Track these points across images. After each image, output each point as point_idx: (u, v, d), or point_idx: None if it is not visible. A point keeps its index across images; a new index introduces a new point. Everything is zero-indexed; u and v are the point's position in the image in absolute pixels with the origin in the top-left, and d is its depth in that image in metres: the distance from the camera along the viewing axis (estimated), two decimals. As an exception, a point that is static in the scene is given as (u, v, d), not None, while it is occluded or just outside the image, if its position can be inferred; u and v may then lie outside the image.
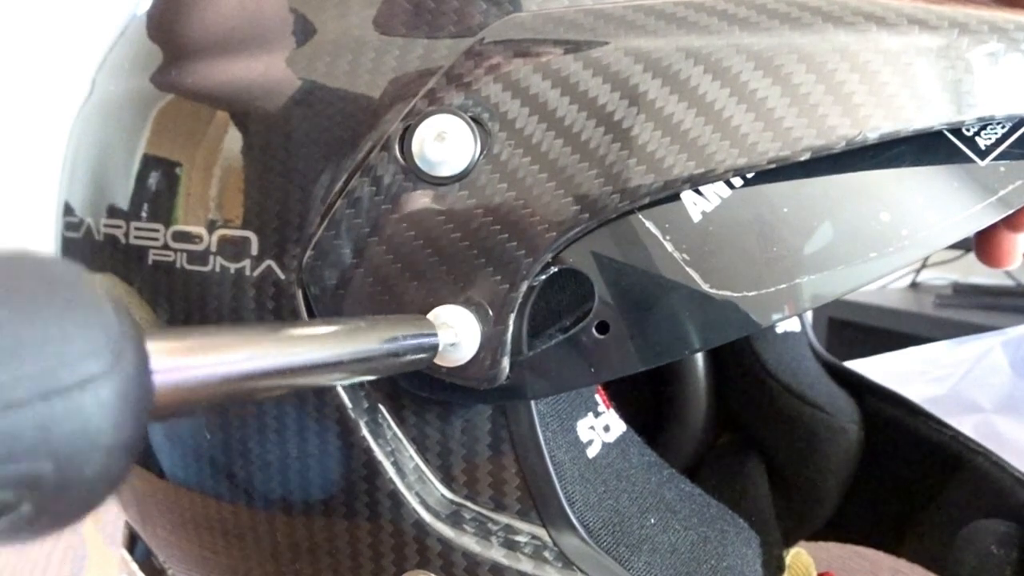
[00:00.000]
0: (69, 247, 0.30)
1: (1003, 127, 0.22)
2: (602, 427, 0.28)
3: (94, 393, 0.10)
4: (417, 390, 0.24)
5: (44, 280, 0.10)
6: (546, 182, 0.22)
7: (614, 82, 0.21)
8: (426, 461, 0.25)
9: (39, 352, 0.10)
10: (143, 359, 0.11)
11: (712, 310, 0.21)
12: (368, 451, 0.25)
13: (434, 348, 0.21)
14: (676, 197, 0.21)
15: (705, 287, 0.21)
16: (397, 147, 0.23)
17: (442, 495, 0.25)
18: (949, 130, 0.22)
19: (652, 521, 0.27)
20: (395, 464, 0.25)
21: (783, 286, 0.21)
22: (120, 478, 0.11)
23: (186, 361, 0.13)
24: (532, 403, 0.24)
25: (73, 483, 0.10)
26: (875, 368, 0.62)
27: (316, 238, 0.24)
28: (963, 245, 0.23)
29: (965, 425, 0.43)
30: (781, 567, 0.36)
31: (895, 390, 0.41)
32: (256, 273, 0.25)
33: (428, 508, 0.25)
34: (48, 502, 0.10)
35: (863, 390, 0.42)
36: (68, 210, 0.30)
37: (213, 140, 0.25)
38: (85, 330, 0.10)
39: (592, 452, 0.27)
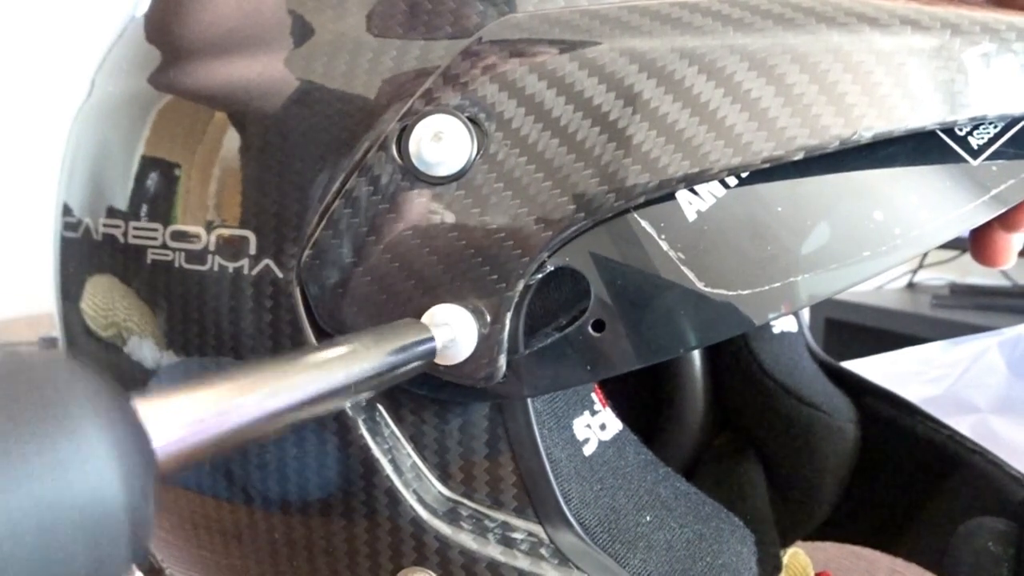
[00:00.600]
0: (68, 247, 0.30)
1: (995, 127, 0.22)
2: (598, 425, 0.28)
3: (102, 497, 0.10)
4: (414, 388, 0.25)
5: (28, 398, 0.10)
6: (542, 182, 0.22)
7: (609, 82, 0.21)
8: (423, 459, 0.26)
9: (43, 473, 0.10)
10: (142, 439, 0.11)
11: (707, 309, 0.22)
12: (366, 449, 0.25)
13: (433, 352, 0.21)
14: (671, 196, 0.22)
15: (700, 286, 0.22)
16: (394, 147, 0.23)
17: (439, 492, 0.26)
18: (942, 130, 0.22)
19: (648, 519, 0.27)
20: (392, 462, 0.25)
21: (777, 285, 0.21)
22: (144, 546, 0.11)
23: (184, 424, 0.12)
24: (528, 401, 0.25)
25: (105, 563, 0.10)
26: (872, 368, 0.62)
27: (314, 238, 0.24)
28: (959, 245, 0.23)
29: (962, 425, 0.43)
30: (778, 567, 0.36)
31: (892, 390, 0.42)
32: (254, 272, 0.25)
33: (425, 505, 0.25)
34: None
35: (860, 390, 0.42)
36: (67, 210, 0.30)
37: (211, 140, 0.26)
38: (80, 441, 0.10)
39: (588, 450, 0.27)
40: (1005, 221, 0.26)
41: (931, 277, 1.28)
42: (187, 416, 0.13)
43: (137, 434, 0.11)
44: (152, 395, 0.12)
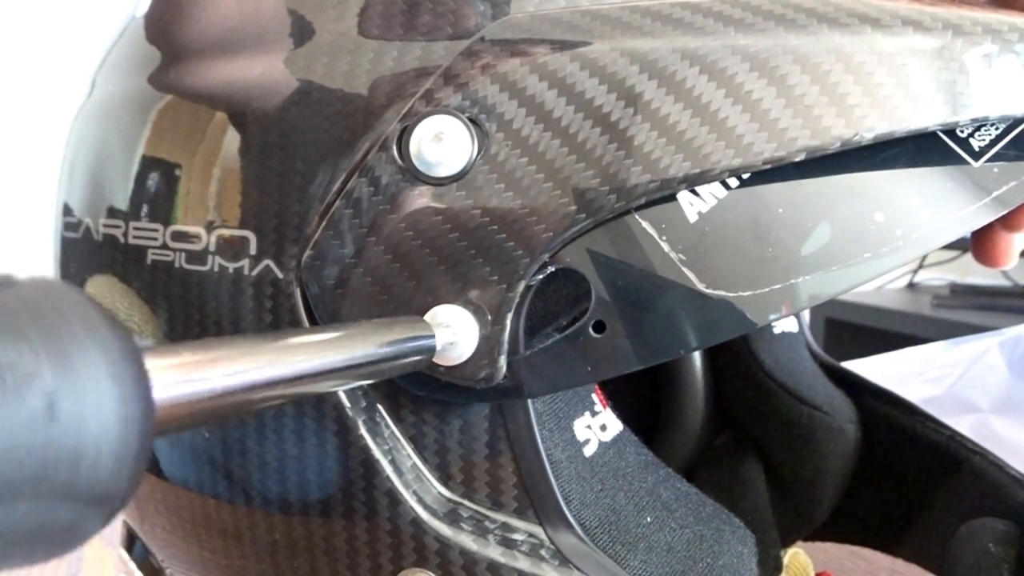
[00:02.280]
0: (68, 247, 0.30)
1: (997, 128, 0.22)
2: (599, 426, 0.28)
3: (96, 416, 0.10)
4: (415, 389, 0.25)
5: (39, 306, 0.10)
6: (543, 182, 0.22)
7: (610, 83, 0.21)
8: (424, 460, 0.26)
9: (41, 379, 0.10)
10: (143, 378, 0.11)
11: (708, 310, 0.22)
12: (366, 450, 0.25)
13: (432, 350, 0.21)
14: (672, 197, 0.22)
15: (701, 287, 0.21)
16: (395, 147, 0.23)
17: (439, 493, 0.26)
18: (943, 131, 0.22)
19: (648, 520, 0.27)
20: (393, 463, 0.25)
21: (778, 286, 0.21)
22: (130, 492, 0.11)
23: (185, 376, 0.13)
24: (529, 402, 0.24)
25: (85, 499, 0.10)
26: (872, 368, 0.62)
27: (315, 238, 0.24)
28: (960, 246, 0.23)
29: (962, 425, 0.43)
30: (779, 567, 0.36)
31: (892, 390, 0.41)
32: (254, 273, 0.25)
33: (425, 506, 0.25)
34: (66, 520, 0.10)
35: (861, 390, 0.42)
36: (67, 211, 0.30)
37: (212, 140, 0.26)
38: (84, 355, 0.10)
39: (589, 451, 0.27)
40: (1007, 222, 0.26)
41: (931, 277, 1.28)
42: (189, 369, 0.13)
43: (139, 376, 0.11)
44: (156, 347, 0.13)
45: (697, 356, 0.44)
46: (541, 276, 0.22)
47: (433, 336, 0.21)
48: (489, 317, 0.22)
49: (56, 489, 0.10)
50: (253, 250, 0.25)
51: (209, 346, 0.14)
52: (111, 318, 0.11)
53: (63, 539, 0.10)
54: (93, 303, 0.11)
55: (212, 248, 0.25)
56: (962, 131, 0.22)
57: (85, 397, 0.10)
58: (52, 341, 0.10)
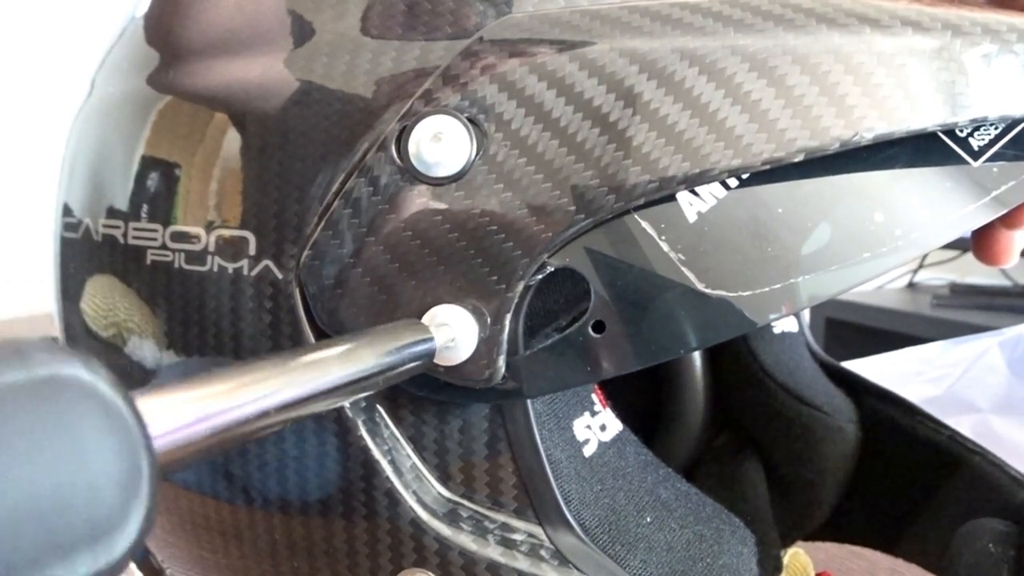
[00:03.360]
0: (68, 248, 0.30)
1: (996, 128, 0.22)
2: (598, 426, 0.28)
3: (100, 473, 0.10)
4: (414, 390, 0.25)
5: (26, 392, 0.10)
6: (542, 182, 0.22)
7: (609, 83, 0.21)
8: (423, 460, 0.26)
9: (42, 449, 0.10)
10: (141, 432, 0.11)
11: (708, 310, 0.22)
12: (365, 450, 0.25)
13: (432, 352, 0.21)
14: (672, 197, 0.22)
15: (701, 287, 0.21)
16: (394, 148, 0.23)
17: (439, 493, 0.26)
18: (943, 131, 0.22)
19: (648, 519, 0.27)
20: (392, 463, 0.25)
21: (778, 286, 0.21)
22: (144, 536, 0.11)
23: (184, 419, 0.13)
24: (528, 402, 0.24)
25: (91, 557, 0.10)
26: (872, 368, 0.62)
27: (314, 238, 0.24)
28: (960, 246, 0.23)
29: (962, 425, 0.43)
30: (779, 567, 0.36)
31: (892, 390, 0.41)
32: (254, 273, 0.25)
33: (425, 507, 0.25)
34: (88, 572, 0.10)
35: (861, 390, 0.42)
36: (67, 211, 0.30)
37: (211, 141, 0.26)
38: (82, 418, 0.10)
39: (588, 451, 0.27)
40: (1007, 220, 0.26)
41: (931, 277, 1.28)
42: (186, 410, 0.13)
43: (136, 428, 0.11)
44: (151, 390, 0.12)
45: (697, 356, 0.44)
46: (540, 276, 0.22)
47: (433, 339, 0.21)
48: (488, 317, 0.22)
49: (69, 553, 0.10)
50: (252, 250, 0.25)
51: (207, 380, 0.14)
52: (97, 376, 0.11)
53: None
54: (75, 361, 0.11)
55: (211, 248, 0.25)
56: (961, 131, 0.22)
57: (85, 467, 0.10)
58: (41, 419, 0.10)
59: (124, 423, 0.11)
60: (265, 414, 0.14)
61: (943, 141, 0.22)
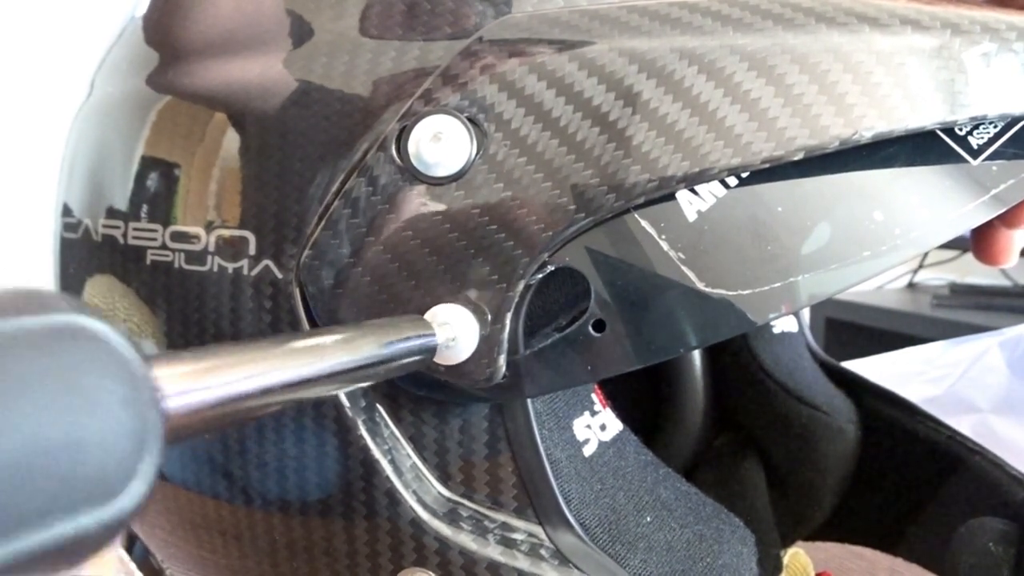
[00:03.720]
0: (68, 248, 0.30)
1: (995, 126, 0.22)
2: (598, 426, 0.28)
3: (112, 424, 0.10)
4: (414, 389, 0.25)
5: (46, 327, 0.10)
6: (542, 182, 0.22)
7: (609, 83, 0.21)
8: (423, 459, 0.26)
9: (56, 396, 0.10)
10: (153, 390, 0.11)
11: (708, 309, 0.22)
12: (365, 450, 0.25)
13: (433, 349, 0.21)
14: (671, 196, 0.22)
15: (700, 286, 0.21)
16: (393, 147, 0.23)
17: (439, 493, 0.26)
18: (942, 130, 0.22)
19: (648, 519, 0.27)
20: (392, 463, 0.25)
21: (778, 285, 0.21)
22: (146, 497, 0.11)
23: (194, 384, 0.13)
24: (528, 402, 0.24)
25: (103, 508, 0.10)
26: (872, 368, 0.62)
27: (313, 238, 0.24)
28: (960, 246, 0.23)
29: (962, 425, 0.43)
30: (779, 567, 0.36)
31: (892, 390, 0.41)
32: (254, 273, 0.25)
33: (425, 506, 0.25)
34: (88, 530, 0.10)
35: (861, 390, 0.42)
36: (67, 211, 0.30)
37: (211, 141, 0.26)
38: (97, 368, 0.10)
39: (588, 450, 0.27)
40: (1007, 219, 0.26)
41: (931, 277, 1.28)
42: (196, 376, 0.13)
43: (149, 387, 0.11)
44: (163, 356, 0.13)
45: (697, 356, 0.44)
46: (540, 275, 0.22)
47: (434, 335, 0.21)
48: (489, 317, 0.22)
49: (77, 504, 0.10)
50: (252, 250, 0.25)
51: (215, 353, 0.14)
52: (114, 330, 0.11)
53: (87, 547, 0.10)
54: (92, 315, 0.11)
55: (211, 248, 0.25)
56: (960, 129, 0.22)
57: (98, 416, 0.10)
58: (56, 365, 0.10)
59: (138, 378, 0.11)
60: (269, 390, 0.15)
61: (942, 139, 0.22)
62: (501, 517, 0.25)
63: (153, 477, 0.11)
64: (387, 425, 0.25)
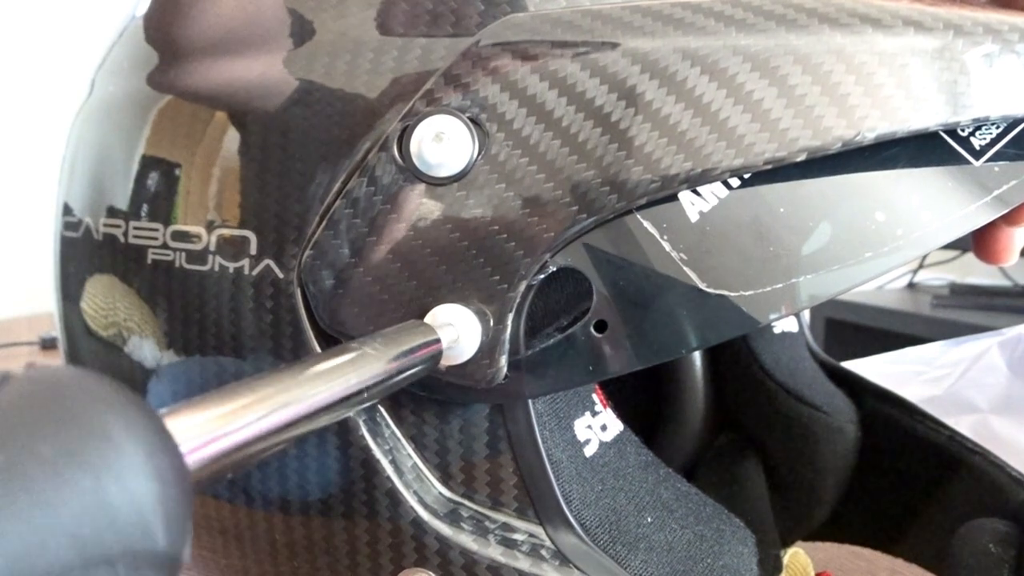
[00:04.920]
0: (68, 247, 0.30)
1: (998, 127, 0.22)
2: (599, 426, 0.28)
3: (138, 503, 0.10)
4: (416, 389, 0.25)
5: (66, 421, 0.10)
6: (544, 182, 0.22)
7: (611, 83, 0.21)
8: (424, 460, 0.25)
9: (83, 479, 0.10)
10: (172, 450, 0.11)
11: (709, 309, 0.22)
12: (366, 450, 0.25)
13: (439, 355, 0.21)
14: (674, 197, 0.22)
15: (702, 286, 0.21)
16: (395, 147, 0.23)
17: (440, 493, 0.26)
18: (944, 131, 0.22)
19: (649, 520, 0.27)
20: (393, 463, 0.25)
21: (780, 285, 0.21)
22: (184, 547, 0.11)
23: (212, 434, 0.13)
24: (530, 402, 0.24)
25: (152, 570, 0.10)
26: (872, 368, 0.62)
27: (315, 238, 0.24)
28: (960, 246, 0.23)
29: (962, 425, 0.43)
30: (779, 567, 0.36)
31: (892, 390, 0.41)
32: (255, 272, 0.25)
33: (426, 506, 0.25)
34: None
35: (861, 390, 0.42)
36: (67, 210, 0.30)
37: (212, 140, 0.26)
38: (116, 446, 0.10)
39: (589, 451, 0.27)
40: (1009, 216, 0.26)
41: (931, 277, 1.28)
42: (213, 427, 0.13)
43: (168, 447, 0.11)
44: (178, 408, 0.13)
45: (697, 356, 0.44)
46: (542, 276, 0.22)
47: (439, 340, 0.21)
48: (490, 317, 0.22)
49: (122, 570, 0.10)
50: (253, 250, 0.25)
51: (229, 395, 0.14)
52: (123, 395, 0.11)
53: None
54: (102, 384, 0.11)
55: (212, 248, 0.25)
56: (963, 130, 0.22)
57: (122, 487, 0.10)
58: (71, 440, 0.10)
59: (159, 446, 0.11)
60: (286, 426, 0.15)
61: (945, 140, 0.22)
62: (502, 517, 0.25)
63: (181, 543, 0.11)
64: (388, 425, 0.25)
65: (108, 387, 0.11)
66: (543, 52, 0.22)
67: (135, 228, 0.27)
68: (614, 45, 0.22)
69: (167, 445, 0.11)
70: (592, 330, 0.22)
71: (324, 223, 0.24)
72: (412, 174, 0.23)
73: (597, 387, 0.29)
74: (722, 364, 0.44)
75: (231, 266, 0.25)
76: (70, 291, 0.30)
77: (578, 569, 0.25)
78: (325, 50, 0.24)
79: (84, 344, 0.30)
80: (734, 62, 0.21)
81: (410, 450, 0.25)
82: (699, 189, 0.22)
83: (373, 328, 0.23)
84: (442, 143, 0.22)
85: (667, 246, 0.22)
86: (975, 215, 0.22)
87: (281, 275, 0.24)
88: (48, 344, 0.99)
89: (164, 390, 0.27)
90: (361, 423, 0.25)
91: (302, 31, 0.25)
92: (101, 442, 0.10)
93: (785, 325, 0.42)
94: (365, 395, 0.17)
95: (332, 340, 0.24)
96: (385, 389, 0.18)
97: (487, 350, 0.22)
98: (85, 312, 0.29)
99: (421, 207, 0.23)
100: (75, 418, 0.10)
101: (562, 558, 0.25)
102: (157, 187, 0.27)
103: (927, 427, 0.39)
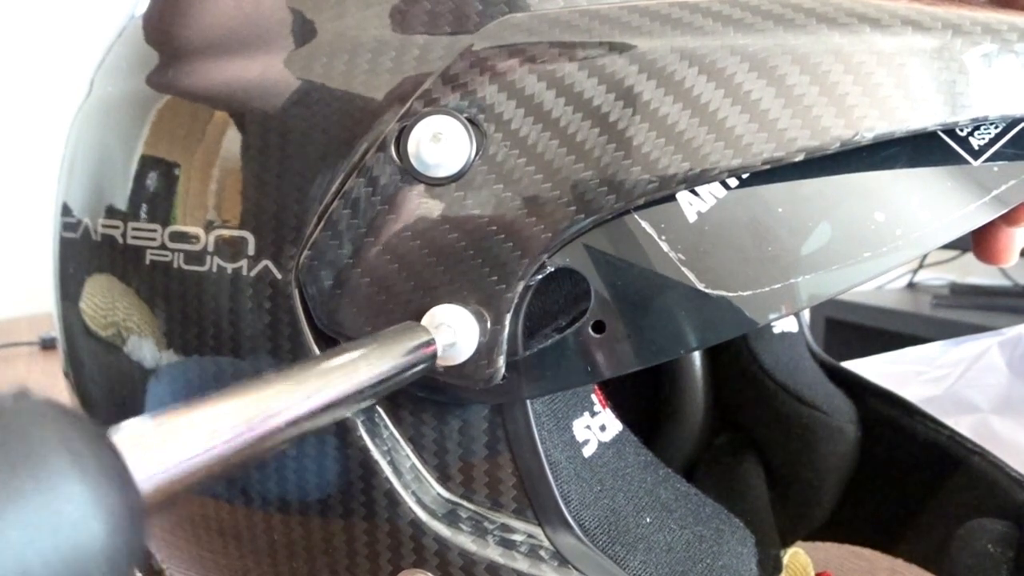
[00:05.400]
0: (67, 247, 0.30)
1: (996, 127, 0.22)
2: (598, 427, 0.28)
3: (85, 528, 0.10)
4: (414, 390, 0.24)
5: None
6: (542, 183, 0.22)
7: (609, 83, 0.21)
8: (423, 460, 0.25)
9: (26, 514, 0.09)
10: (123, 478, 0.11)
11: (708, 309, 0.22)
12: (365, 451, 0.25)
13: (433, 356, 0.21)
14: (672, 197, 0.21)
15: (701, 287, 0.21)
16: (393, 148, 0.23)
17: (438, 494, 0.26)
18: (943, 131, 0.22)
19: (648, 520, 0.27)
20: (391, 463, 0.25)
21: (778, 286, 0.21)
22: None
23: (168, 454, 0.12)
24: (528, 402, 0.24)
25: None
26: (872, 368, 0.62)
27: (313, 238, 0.24)
28: (960, 246, 0.23)
29: (962, 425, 0.43)
30: (778, 567, 0.36)
31: (892, 390, 0.41)
32: (253, 273, 0.25)
33: (424, 507, 0.25)
34: None
35: (860, 390, 0.42)
36: (66, 210, 0.30)
37: (210, 141, 0.26)
38: (58, 491, 0.10)
39: (588, 451, 0.27)
40: (1008, 216, 0.26)
41: (931, 277, 1.28)
42: (170, 446, 0.12)
43: (117, 473, 0.10)
44: (129, 428, 0.12)
45: (697, 356, 0.44)
46: (540, 276, 0.22)
47: (435, 341, 0.21)
48: (488, 318, 0.22)
49: None
50: (252, 251, 0.25)
51: (181, 410, 0.13)
52: (69, 420, 0.10)
53: None
54: (45, 410, 0.10)
55: (211, 248, 0.25)
56: (962, 130, 0.22)
57: (64, 530, 0.10)
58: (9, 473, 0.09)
59: (107, 473, 0.10)
60: (260, 438, 0.14)
61: (943, 140, 0.22)
62: (500, 518, 0.25)
63: (138, 555, 0.10)
64: (386, 426, 0.25)
65: (53, 416, 0.10)
66: (541, 53, 0.22)
67: (134, 229, 0.27)
68: (612, 45, 0.21)
69: (116, 472, 0.10)
70: (590, 331, 0.22)
71: (322, 224, 0.24)
72: (410, 174, 0.23)
73: (596, 387, 0.29)
74: (722, 364, 0.44)
75: (229, 267, 0.25)
76: (69, 291, 0.30)
77: (577, 570, 0.25)
78: (324, 50, 0.24)
79: (83, 344, 0.30)
80: (732, 62, 0.21)
81: (408, 451, 0.25)
82: (697, 189, 0.21)
83: (371, 328, 0.23)
84: (440, 143, 0.22)
85: (665, 246, 0.22)
86: (974, 215, 0.22)
87: (279, 276, 0.24)
88: (48, 344, 0.99)
89: (163, 390, 0.27)
90: (359, 424, 0.25)
91: (301, 31, 0.25)
92: (40, 476, 0.10)
93: (785, 325, 0.42)
94: (357, 399, 0.17)
95: (330, 341, 0.24)
96: (378, 392, 0.18)
97: (485, 351, 0.22)
98: (84, 312, 0.29)
99: (419, 207, 0.23)
100: (13, 451, 0.09)
101: (561, 559, 0.25)
102: (156, 187, 0.27)
103: (927, 427, 0.39)
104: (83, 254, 0.29)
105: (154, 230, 0.26)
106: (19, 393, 0.10)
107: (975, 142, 0.22)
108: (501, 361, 0.22)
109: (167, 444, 0.12)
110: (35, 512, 0.09)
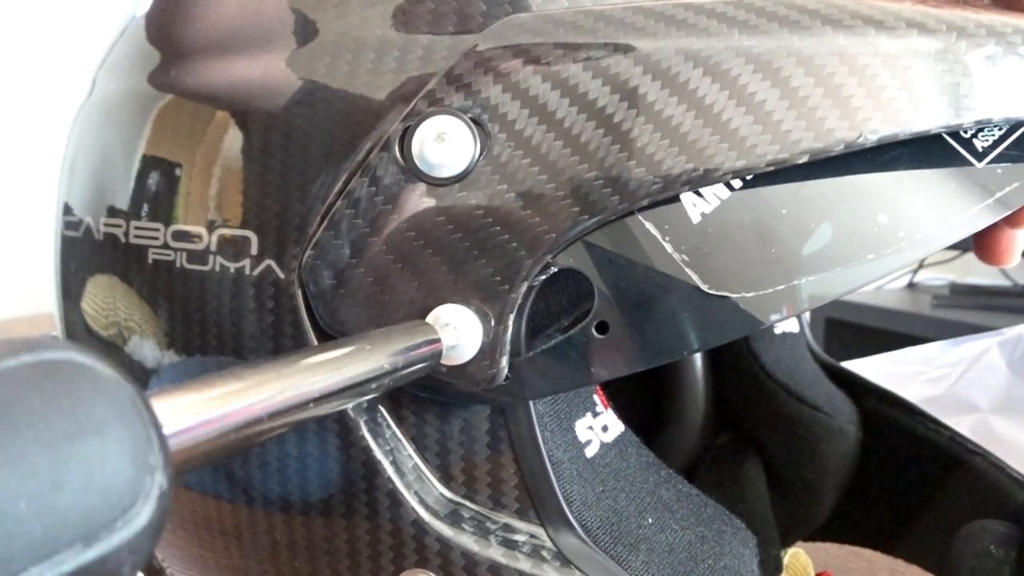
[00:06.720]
0: (69, 247, 0.30)
1: (1000, 129, 0.22)
2: (600, 427, 0.28)
3: (111, 447, 0.10)
4: (416, 390, 0.25)
5: (47, 396, 0.10)
6: (546, 183, 0.22)
7: (613, 84, 0.21)
8: (425, 460, 0.25)
9: (47, 427, 0.10)
10: (150, 413, 0.11)
11: (711, 310, 0.22)
12: (367, 450, 0.25)
13: (438, 354, 0.21)
14: (675, 199, 0.21)
15: (704, 288, 0.21)
16: (397, 148, 0.23)
17: (441, 494, 0.26)
18: (947, 133, 0.22)
19: (650, 521, 0.27)
20: (394, 463, 0.25)
21: (781, 287, 0.21)
22: (155, 538, 0.11)
23: (197, 417, 0.13)
24: (531, 403, 0.24)
25: (107, 555, 0.10)
26: (872, 368, 0.62)
27: (316, 238, 0.24)
28: (961, 245, 0.23)
29: (962, 425, 0.43)
30: (779, 567, 0.36)
31: (893, 390, 0.41)
32: (256, 272, 0.25)
33: (427, 507, 0.25)
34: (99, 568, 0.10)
35: (861, 390, 0.42)
36: (68, 210, 0.30)
37: (213, 140, 0.25)
38: (90, 398, 0.10)
39: (590, 452, 0.27)
40: (1011, 218, 0.26)
41: (932, 277, 1.28)
42: (200, 410, 0.13)
43: (151, 428, 0.11)
44: (165, 390, 0.13)
45: (698, 357, 0.44)
46: (543, 277, 0.22)
47: (440, 339, 0.21)
48: (491, 318, 0.22)
49: (86, 532, 0.10)
50: (254, 250, 0.25)
51: (219, 380, 0.14)
52: (105, 363, 0.11)
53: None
54: (91, 358, 0.11)
55: (213, 248, 0.25)
56: (965, 132, 0.22)
57: (94, 444, 0.10)
58: (45, 399, 0.10)
59: (132, 404, 0.11)
60: (276, 414, 0.15)
61: (947, 142, 0.22)
62: (503, 518, 0.25)
63: (161, 498, 0.11)
64: (389, 426, 0.25)
65: (96, 368, 0.11)
66: (545, 53, 0.22)
67: (136, 228, 0.27)
68: (616, 46, 0.21)
69: (149, 427, 0.11)
70: (593, 331, 0.22)
71: (325, 223, 0.23)
72: (413, 174, 0.23)
73: (598, 388, 0.29)
74: (723, 364, 0.44)
75: (232, 266, 0.25)
76: (71, 291, 0.30)
77: (579, 570, 0.25)
78: (327, 50, 0.24)
79: (84, 344, 0.30)
80: (736, 63, 0.21)
81: (411, 451, 0.25)
82: (701, 190, 0.21)
83: (373, 328, 0.23)
84: (444, 143, 0.22)
85: (669, 247, 0.22)
86: (977, 217, 0.22)
87: (282, 275, 0.24)
88: (48, 343, 0.99)
89: (164, 390, 0.27)
90: (362, 423, 0.25)
91: (304, 31, 0.24)
92: (76, 406, 0.10)
93: (786, 326, 0.42)
94: (361, 389, 0.17)
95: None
96: (382, 385, 0.18)
97: (488, 351, 0.22)
98: (86, 312, 0.29)
99: (422, 207, 0.23)
100: (58, 399, 0.10)
101: (563, 559, 0.25)
102: (158, 187, 0.27)
103: (927, 427, 0.39)
104: (85, 253, 0.29)
105: (156, 229, 0.26)
106: (62, 342, 0.11)
107: (979, 144, 0.22)
108: (504, 361, 0.22)
109: (196, 410, 0.13)
110: (70, 460, 0.10)
